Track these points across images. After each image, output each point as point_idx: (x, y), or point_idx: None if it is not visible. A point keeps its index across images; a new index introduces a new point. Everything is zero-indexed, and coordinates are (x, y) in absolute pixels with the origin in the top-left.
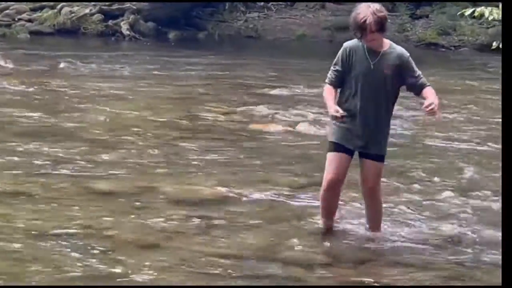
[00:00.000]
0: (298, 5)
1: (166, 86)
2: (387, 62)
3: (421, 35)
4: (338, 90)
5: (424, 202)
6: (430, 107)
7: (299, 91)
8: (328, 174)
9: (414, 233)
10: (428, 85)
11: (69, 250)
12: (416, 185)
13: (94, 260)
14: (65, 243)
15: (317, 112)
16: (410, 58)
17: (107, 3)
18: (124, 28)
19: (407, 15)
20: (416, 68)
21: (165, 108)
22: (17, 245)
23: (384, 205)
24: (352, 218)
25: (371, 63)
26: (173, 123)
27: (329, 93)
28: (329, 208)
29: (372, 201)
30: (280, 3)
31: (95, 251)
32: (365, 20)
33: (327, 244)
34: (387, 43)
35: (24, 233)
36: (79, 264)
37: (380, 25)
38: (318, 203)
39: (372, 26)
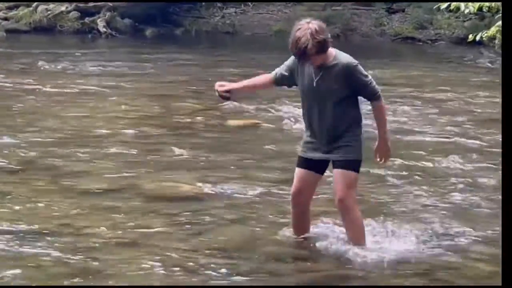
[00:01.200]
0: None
1: (143, 83)
2: (330, 77)
3: (398, 29)
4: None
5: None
6: (380, 161)
7: (278, 87)
8: (291, 189)
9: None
10: (377, 97)
11: (48, 248)
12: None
13: (74, 258)
14: (43, 241)
15: (295, 108)
16: (358, 67)
17: (83, 1)
18: (101, 25)
19: (384, 9)
20: (364, 77)
21: (143, 105)
22: None
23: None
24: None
25: (314, 80)
26: (151, 119)
27: (258, 78)
28: (297, 224)
29: (343, 215)
30: None
31: (74, 249)
32: (305, 46)
33: (306, 239)
34: (331, 55)
35: (3, 232)
36: (58, 262)
37: (320, 48)
38: None
39: (312, 50)
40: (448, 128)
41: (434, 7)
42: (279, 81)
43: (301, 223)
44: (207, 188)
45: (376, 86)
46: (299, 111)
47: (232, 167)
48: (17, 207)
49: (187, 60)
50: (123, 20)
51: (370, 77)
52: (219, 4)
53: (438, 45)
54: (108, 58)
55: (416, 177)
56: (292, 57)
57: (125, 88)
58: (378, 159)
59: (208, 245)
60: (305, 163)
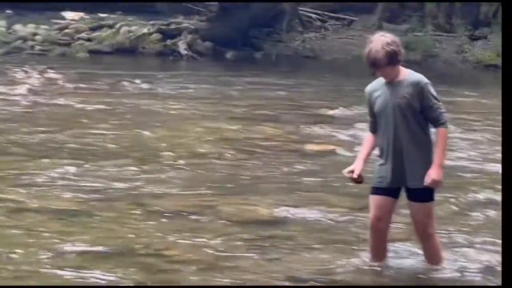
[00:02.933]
0: (355, 25)
1: (223, 106)
2: (400, 91)
3: (480, 56)
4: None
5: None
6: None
7: (356, 112)
8: (369, 217)
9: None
10: (441, 124)
11: (129, 269)
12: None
13: (153, 279)
14: (124, 262)
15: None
16: (429, 85)
17: (165, 23)
18: (182, 47)
19: (466, 36)
20: (433, 98)
21: (222, 127)
22: (75, 264)
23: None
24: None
25: (386, 95)
26: (230, 142)
27: (363, 145)
28: (375, 249)
29: (424, 243)
30: (337, 23)
31: (154, 271)
32: (375, 56)
33: (383, 267)
34: (404, 72)
35: (83, 252)
36: (138, 283)
37: (390, 59)
38: None
39: (383, 60)
40: None
41: None
42: (373, 129)
43: (379, 250)
44: (285, 212)
45: (444, 113)
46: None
47: (310, 192)
48: (98, 228)
49: (267, 83)
50: (204, 43)
51: (440, 102)
52: (299, 29)
53: None
54: (189, 80)
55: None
56: (365, 92)
57: (205, 110)
58: (429, 185)
59: (285, 270)
60: (380, 190)
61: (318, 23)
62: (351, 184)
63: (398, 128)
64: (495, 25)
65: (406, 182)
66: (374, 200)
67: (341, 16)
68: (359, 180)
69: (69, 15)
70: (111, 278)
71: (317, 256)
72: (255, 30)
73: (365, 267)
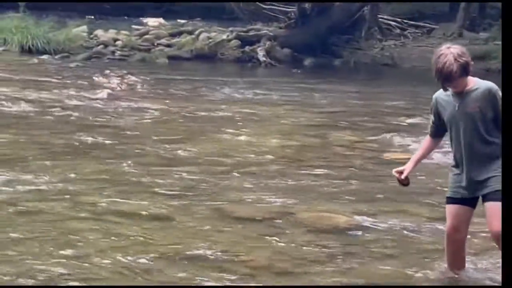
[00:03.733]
0: (435, 34)
1: (301, 112)
2: (471, 101)
3: None
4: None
5: None
6: None
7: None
8: (446, 228)
9: None
10: None
11: (204, 273)
12: None
13: (231, 286)
14: (200, 267)
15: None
16: (499, 92)
17: (244, 29)
18: (261, 54)
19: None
20: None
21: (301, 134)
22: (153, 268)
23: None
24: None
25: (456, 105)
26: (308, 149)
27: (421, 147)
28: (452, 260)
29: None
30: (417, 31)
31: (231, 277)
32: (449, 69)
33: (461, 276)
34: (472, 81)
35: (160, 256)
36: None
37: (464, 71)
38: None
39: (456, 73)
40: None
41: None
42: (436, 132)
43: (457, 261)
44: (363, 221)
45: None
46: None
47: (388, 201)
48: (176, 233)
49: (346, 91)
50: (282, 50)
51: None
52: (378, 36)
53: None
54: (267, 86)
55: None
56: (433, 98)
57: (283, 117)
58: None
59: (362, 278)
60: (456, 199)
61: (398, 31)
62: (429, 193)
63: (470, 137)
64: None
65: (481, 190)
66: (450, 210)
67: (421, 24)
68: (405, 182)
69: (150, 21)
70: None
71: (393, 265)
72: (334, 37)
73: (441, 277)
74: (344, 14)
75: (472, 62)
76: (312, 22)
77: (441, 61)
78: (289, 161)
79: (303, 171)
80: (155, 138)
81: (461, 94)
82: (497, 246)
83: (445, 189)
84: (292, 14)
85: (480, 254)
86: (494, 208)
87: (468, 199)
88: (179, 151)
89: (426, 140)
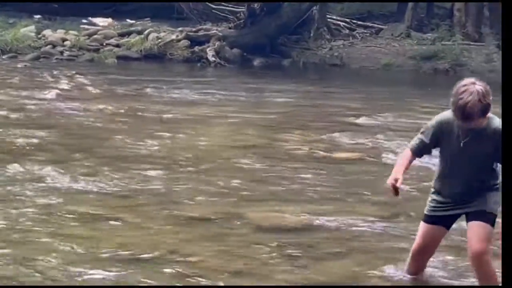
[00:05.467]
0: (383, 34)
1: (248, 113)
2: (479, 140)
3: None
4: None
5: None
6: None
7: (384, 120)
8: (414, 244)
9: None
10: None
11: (154, 275)
12: None
13: (179, 286)
14: (149, 268)
15: (401, 141)
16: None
17: (193, 29)
18: (210, 54)
19: (494, 46)
20: None
21: (249, 134)
22: (102, 270)
23: None
24: None
25: (461, 141)
26: (256, 149)
27: (404, 158)
28: (413, 270)
29: (478, 270)
30: (365, 31)
31: (180, 277)
32: (471, 112)
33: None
34: (486, 117)
35: (108, 257)
36: None
37: (484, 113)
38: (404, 234)
39: (478, 114)
40: None
41: None
42: (418, 153)
43: (417, 273)
44: (313, 220)
45: None
46: (401, 145)
47: (338, 200)
48: (124, 233)
49: (295, 91)
50: (232, 50)
51: None
52: (327, 36)
53: None
54: (216, 87)
55: None
56: (433, 124)
57: (232, 117)
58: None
59: (312, 278)
60: (434, 218)
61: (346, 31)
62: (378, 192)
63: (468, 172)
64: None
65: (467, 208)
66: (423, 228)
67: (369, 24)
68: (398, 190)
69: (99, 21)
70: (135, 282)
71: (343, 264)
72: (283, 37)
73: (392, 275)
74: (293, 14)
75: (491, 104)
76: (261, 22)
77: (464, 99)
78: (238, 160)
79: (251, 171)
80: (103, 138)
81: (469, 131)
82: (473, 264)
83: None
84: (241, 14)
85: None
86: (476, 227)
87: (446, 220)
88: (128, 152)
89: (407, 155)
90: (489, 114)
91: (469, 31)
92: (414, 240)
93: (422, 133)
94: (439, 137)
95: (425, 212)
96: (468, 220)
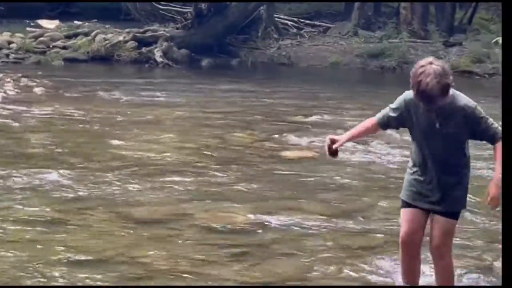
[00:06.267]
0: (331, 32)
1: (197, 113)
2: (452, 118)
3: (455, 63)
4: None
5: None
6: (491, 206)
7: (331, 118)
8: (400, 233)
9: None
10: (499, 138)
11: (103, 277)
12: None
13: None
14: (98, 270)
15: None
16: (477, 109)
17: (140, 30)
18: (158, 55)
19: (441, 43)
20: (484, 119)
21: (197, 135)
22: (52, 273)
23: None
24: None
25: (436, 121)
26: (205, 150)
27: (362, 125)
28: (407, 268)
29: (436, 262)
30: (313, 30)
31: (128, 279)
32: (430, 94)
33: (361, 273)
34: (451, 95)
35: (58, 260)
36: None
37: (444, 91)
38: (351, 230)
39: (438, 95)
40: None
41: (492, 41)
42: (385, 124)
43: (412, 270)
44: (261, 220)
45: (498, 127)
46: (356, 144)
47: (286, 199)
48: (73, 236)
49: (243, 90)
50: (180, 51)
51: (490, 118)
52: (275, 35)
53: (495, 79)
54: (164, 88)
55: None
56: (402, 99)
57: (180, 118)
58: (489, 203)
59: (260, 277)
60: (411, 204)
61: (294, 30)
62: (326, 191)
63: (439, 153)
64: (470, 31)
65: (439, 205)
66: (405, 214)
67: (317, 23)
68: (334, 152)
69: (45, 23)
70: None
71: (293, 263)
72: (231, 37)
73: (342, 273)
74: (241, 14)
75: (453, 82)
76: (209, 23)
77: (423, 82)
78: (186, 162)
79: (201, 172)
80: (50, 140)
81: (441, 110)
82: (432, 255)
83: (346, 187)
84: (189, 14)
85: (379, 253)
86: (440, 221)
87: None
88: (76, 154)
89: (370, 122)
90: (453, 91)
91: (416, 29)
92: (363, 237)
93: (391, 108)
94: (404, 115)
95: (402, 197)
96: (436, 212)
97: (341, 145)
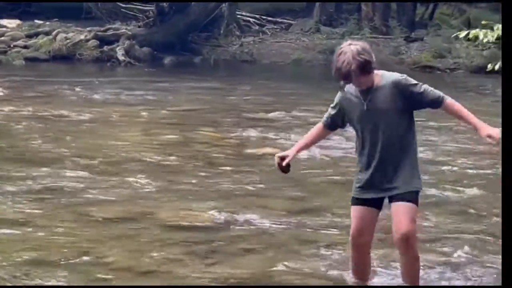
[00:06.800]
0: (293, 29)
1: (160, 111)
2: (380, 98)
3: (416, 58)
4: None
5: None
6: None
7: (294, 115)
8: (351, 230)
9: None
10: (443, 97)
11: (66, 277)
12: None
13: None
14: (60, 270)
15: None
16: (407, 79)
17: (102, 29)
18: (120, 53)
19: (402, 38)
20: (418, 87)
21: (160, 133)
22: (14, 273)
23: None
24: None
25: (364, 103)
26: (168, 148)
27: (310, 133)
28: (357, 266)
29: (405, 253)
30: (275, 27)
31: (92, 278)
32: (348, 69)
33: (324, 269)
34: (378, 76)
35: (21, 261)
36: None
37: (364, 68)
38: (315, 226)
39: (356, 72)
40: (464, 158)
41: (452, 36)
42: (330, 124)
43: (362, 268)
44: (225, 217)
45: (435, 90)
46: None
47: (250, 196)
48: (34, 235)
49: (205, 88)
50: (142, 49)
51: (423, 84)
52: (237, 33)
53: (457, 74)
54: (126, 86)
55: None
56: (339, 94)
57: (143, 116)
58: (490, 140)
59: (225, 274)
60: (362, 201)
61: (256, 27)
62: (290, 187)
63: (383, 135)
64: (431, 27)
65: (391, 191)
66: (355, 211)
67: (279, 20)
68: (285, 169)
69: (5, 22)
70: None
71: (258, 259)
72: (194, 35)
73: (306, 269)
74: (202, 12)
75: (374, 59)
76: (171, 20)
77: (340, 60)
78: (150, 160)
79: (164, 170)
80: (12, 140)
81: (368, 92)
82: (399, 246)
83: (309, 183)
84: (151, 12)
85: (342, 249)
86: (402, 208)
87: (374, 200)
88: (37, 153)
89: (316, 128)
90: (380, 71)
91: (377, 25)
92: (328, 232)
93: (331, 106)
94: (344, 107)
95: (352, 194)
96: (391, 200)
97: (291, 159)
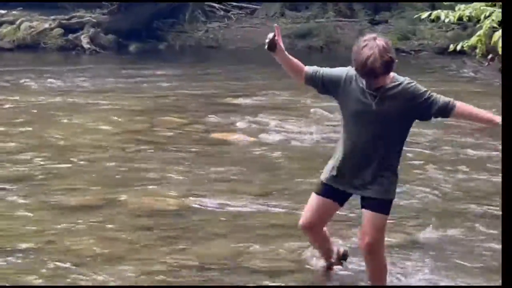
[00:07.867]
0: (258, 14)
1: (127, 99)
2: (391, 100)
3: None
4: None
5: None
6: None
7: (260, 99)
8: (301, 217)
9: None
10: (453, 102)
11: (34, 266)
12: None
13: (60, 275)
14: (28, 259)
15: (279, 120)
16: (415, 86)
17: (66, 17)
18: (84, 41)
19: (367, 21)
20: (426, 94)
21: (126, 120)
22: None
23: None
24: None
25: (372, 102)
26: (135, 134)
27: (296, 61)
28: (320, 247)
29: (369, 261)
30: (240, 12)
31: (60, 266)
32: (373, 67)
33: (294, 252)
34: (389, 76)
35: None
36: (45, 279)
37: (388, 68)
38: (283, 209)
39: (381, 70)
40: (432, 138)
41: (415, 17)
42: (311, 79)
43: (320, 242)
44: (193, 202)
45: (443, 97)
46: (285, 124)
47: (217, 181)
48: (2, 225)
49: (172, 75)
50: (107, 36)
51: (432, 92)
52: (202, 19)
53: (422, 56)
54: (92, 74)
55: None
56: (346, 70)
57: (109, 103)
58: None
59: (195, 259)
60: (328, 191)
61: (221, 12)
62: (257, 171)
63: (377, 136)
64: (395, 9)
65: (362, 191)
66: (313, 200)
67: (244, 5)
68: (274, 42)
69: None
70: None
71: (227, 243)
72: (159, 21)
73: (276, 252)
74: None
75: (396, 59)
76: (136, 7)
77: (364, 53)
78: (116, 147)
79: (132, 156)
80: None
81: (378, 91)
82: (364, 252)
83: (274, 167)
84: None
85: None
86: (371, 217)
87: (341, 195)
88: (5, 142)
89: (300, 66)
90: (394, 74)
91: (341, 8)
92: (296, 216)
93: (331, 69)
94: (337, 84)
95: (320, 178)
96: (364, 206)
97: (279, 43)
